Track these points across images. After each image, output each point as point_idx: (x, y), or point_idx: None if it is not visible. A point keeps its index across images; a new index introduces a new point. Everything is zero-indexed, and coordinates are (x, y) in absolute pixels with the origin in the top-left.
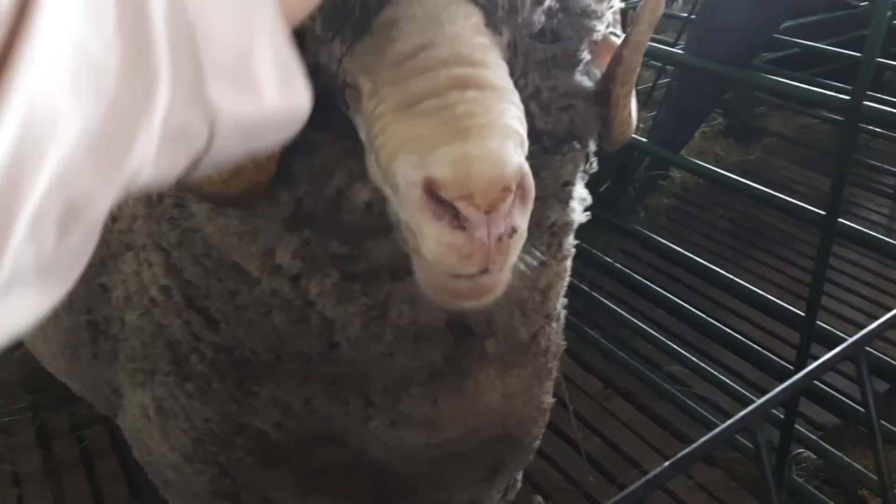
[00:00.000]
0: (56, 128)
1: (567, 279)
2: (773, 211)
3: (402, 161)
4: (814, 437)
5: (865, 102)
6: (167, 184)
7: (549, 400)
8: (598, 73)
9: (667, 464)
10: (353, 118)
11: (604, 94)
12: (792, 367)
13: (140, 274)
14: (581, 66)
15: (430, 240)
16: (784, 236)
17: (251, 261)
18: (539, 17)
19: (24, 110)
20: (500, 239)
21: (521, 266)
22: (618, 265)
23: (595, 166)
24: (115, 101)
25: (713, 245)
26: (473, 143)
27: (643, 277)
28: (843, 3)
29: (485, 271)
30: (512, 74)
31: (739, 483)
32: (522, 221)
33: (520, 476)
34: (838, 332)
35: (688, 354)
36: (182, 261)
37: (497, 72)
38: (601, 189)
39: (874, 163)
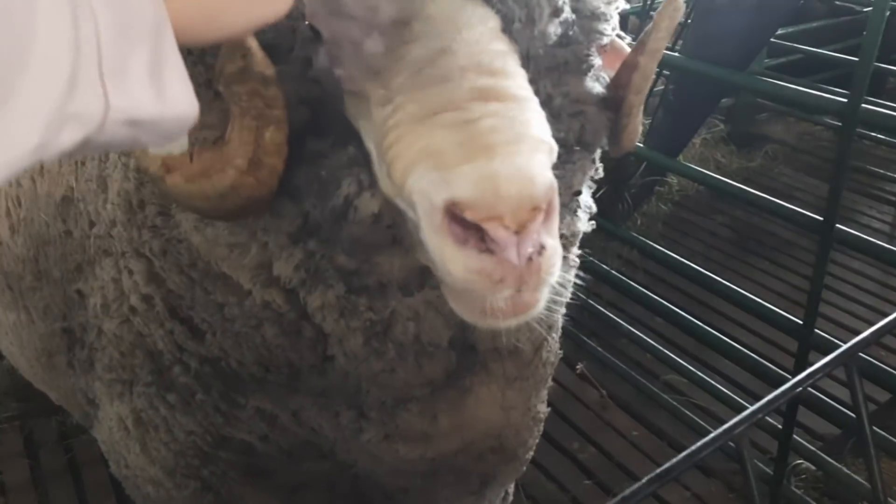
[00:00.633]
0: None
1: (571, 284)
2: (772, 218)
3: (420, 177)
4: (813, 448)
5: (863, 105)
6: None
7: (545, 409)
8: (606, 78)
9: (643, 481)
10: (357, 124)
11: (613, 100)
12: (789, 376)
13: (119, 281)
14: (592, 72)
15: (457, 266)
16: (783, 243)
17: (242, 273)
18: (556, 29)
19: None
20: (530, 259)
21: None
22: (614, 272)
23: (601, 173)
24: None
25: (711, 252)
26: (501, 160)
27: (640, 285)
28: (846, 9)
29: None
30: (529, 62)
31: (737, 494)
32: (550, 238)
33: (511, 489)
34: (836, 341)
35: (685, 363)
36: (166, 270)
37: (518, 81)
38: (597, 195)
39: (876, 170)
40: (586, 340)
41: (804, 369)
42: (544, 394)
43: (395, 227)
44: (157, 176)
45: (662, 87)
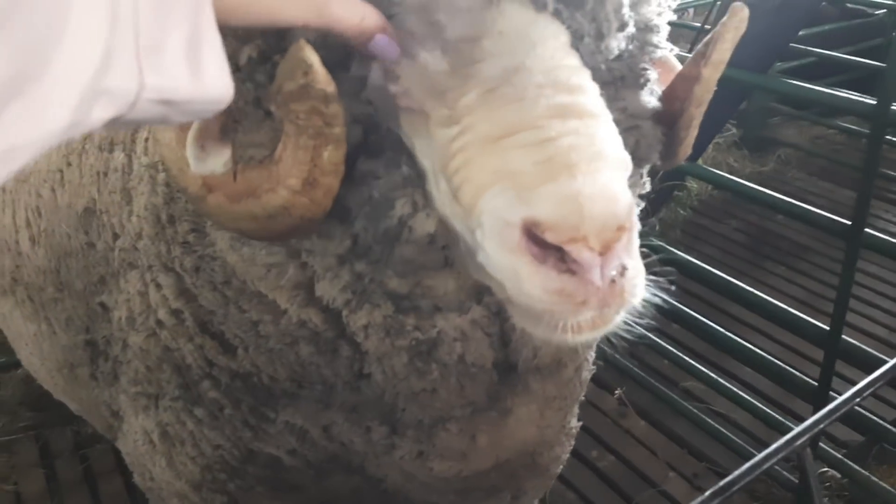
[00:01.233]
0: None
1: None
2: (788, 222)
3: (493, 198)
4: (838, 456)
5: (893, 108)
6: (89, 132)
7: (576, 423)
8: (659, 92)
9: (706, 494)
10: (411, 142)
11: (667, 115)
12: (815, 384)
13: (146, 295)
14: (648, 86)
15: (534, 286)
16: (799, 248)
17: (279, 292)
18: (619, 44)
19: None
20: (612, 280)
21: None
22: None
23: (648, 187)
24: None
25: (727, 258)
26: (583, 178)
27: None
28: (859, 12)
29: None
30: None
31: (761, 503)
32: (631, 258)
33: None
34: (866, 349)
35: (704, 370)
36: (198, 287)
37: (593, 97)
38: None
39: (893, 173)
40: (604, 348)
41: (831, 377)
42: (576, 409)
43: (448, 249)
44: (197, 196)
45: None
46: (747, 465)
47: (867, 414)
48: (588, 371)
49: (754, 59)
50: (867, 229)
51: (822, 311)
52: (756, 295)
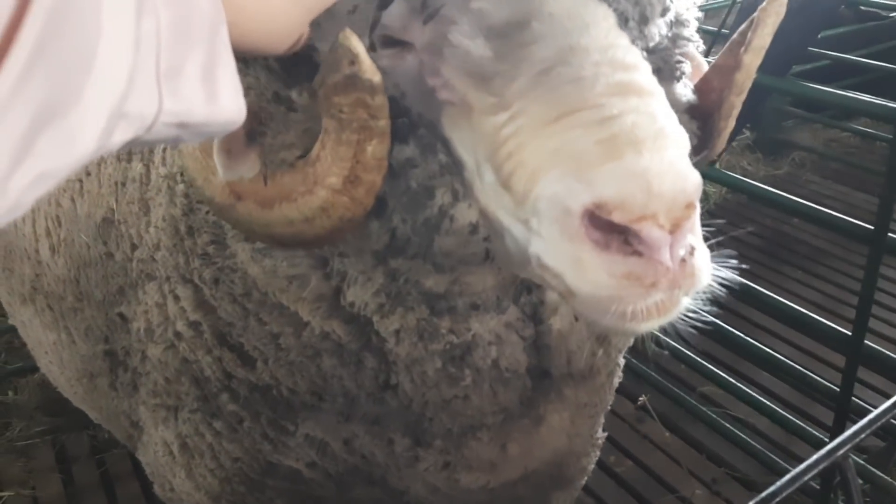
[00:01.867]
0: None
1: None
2: (804, 226)
3: (551, 183)
4: (860, 462)
5: None
6: (107, 153)
7: (602, 434)
8: (692, 85)
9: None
10: (451, 135)
11: (701, 108)
12: (837, 389)
13: (164, 306)
14: (682, 79)
15: (599, 273)
16: (817, 252)
17: (301, 304)
18: (660, 30)
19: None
20: (682, 260)
21: None
22: None
23: None
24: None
25: (745, 262)
26: (650, 155)
27: None
28: (872, 14)
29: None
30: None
31: None
32: (696, 239)
33: None
34: (887, 352)
35: (723, 375)
36: (217, 299)
37: (649, 75)
38: None
39: None
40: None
41: (853, 382)
42: (602, 418)
43: (489, 241)
44: (225, 204)
45: None
46: (786, 477)
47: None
48: (618, 378)
49: (773, 62)
50: (891, 234)
51: (842, 316)
52: (775, 299)
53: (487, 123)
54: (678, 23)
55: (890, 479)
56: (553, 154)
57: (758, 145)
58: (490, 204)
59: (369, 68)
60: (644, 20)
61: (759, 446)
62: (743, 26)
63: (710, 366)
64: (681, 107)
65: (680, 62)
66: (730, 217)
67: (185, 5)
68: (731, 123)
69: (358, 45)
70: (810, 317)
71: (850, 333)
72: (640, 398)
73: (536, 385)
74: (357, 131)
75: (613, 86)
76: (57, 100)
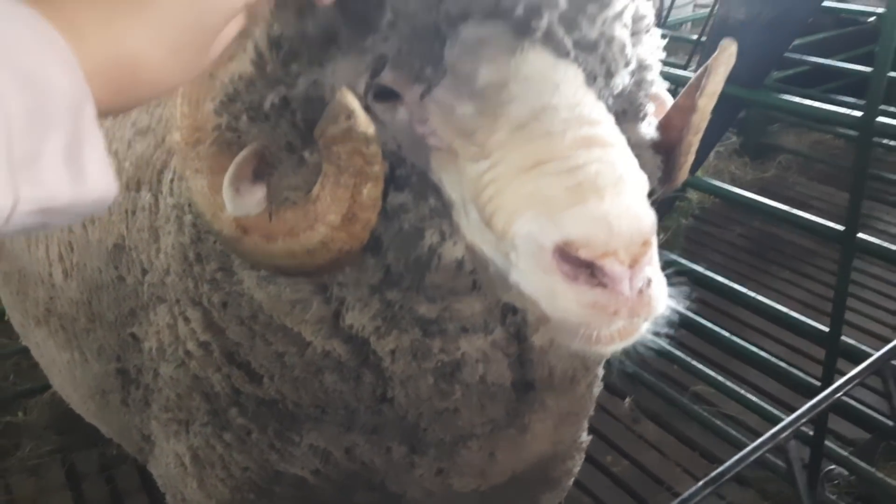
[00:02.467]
0: None
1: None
2: (791, 227)
3: (526, 222)
4: (844, 454)
5: (879, 119)
6: None
7: (586, 438)
8: (656, 123)
9: (699, 483)
10: (439, 178)
11: (664, 143)
12: (819, 384)
13: (175, 327)
14: (646, 119)
15: (569, 301)
16: (803, 252)
17: (304, 326)
18: (624, 80)
19: None
20: (640, 291)
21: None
22: None
23: None
24: None
25: (731, 263)
26: (611, 200)
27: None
28: (851, 20)
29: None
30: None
31: (772, 502)
32: (654, 271)
33: None
34: (864, 348)
35: (714, 374)
36: (225, 321)
37: (612, 128)
38: None
39: (891, 176)
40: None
41: (832, 376)
42: (586, 423)
43: (475, 274)
44: (232, 237)
45: None
46: (737, 456)
47: (872, 413)
48: (598, 387)
49: (748, 73)
50: (860, 234)
51: (826, 313)
52: (758, 299)
53: (471, 169)
54: (642, 68)
55: (874, 471)
56: (528, 198)
57: (745, 149)
58: (475, 238)
59: (364, 122)
60: (609, 75)
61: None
62: (699, 72)
63: (700, 366)
64: (645, 144)
65: (643, 104)
66: (720, 221)
67: (40, 89)
68: (691, 158)
69: (353, 102)
70: (791, 315)
71: (827, 329)
72: (627, 399)
73: (521, 397)
74: (354, 175)
75: (579, 139)
76: None
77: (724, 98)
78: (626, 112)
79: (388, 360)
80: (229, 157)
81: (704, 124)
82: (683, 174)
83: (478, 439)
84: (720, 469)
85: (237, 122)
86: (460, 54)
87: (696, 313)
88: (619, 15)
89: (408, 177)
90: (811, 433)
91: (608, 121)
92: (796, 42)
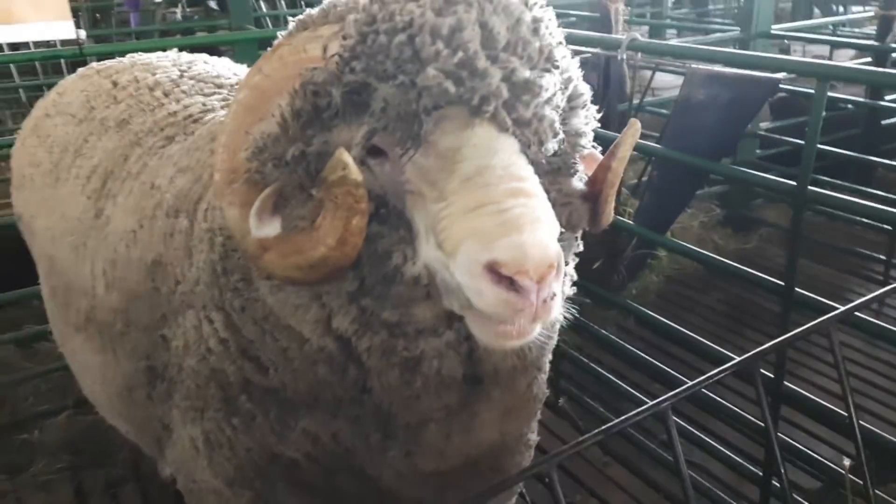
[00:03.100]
0: None
1: (556, 337)
2: (767, 294)
3: (467, 248)
4: (798, 499)
5: (810, 187)
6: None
7: (535, 438)
8: (585, 177)
9: (588, 434)
10: (411, 214)
11: (591, 193)
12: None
13: (200, 328)
14: (576, 174)
15: (490, 297)
16: (776, 318)
17: (304, 325)
18: (554, 146)
19: None
20: (545, 301)
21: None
22: (613, 337)
23: (581, 247)
24: None
25: (708, 325)
26: (528, 234)
27: (640, 352)
28: (834, 105)
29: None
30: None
31: None
32: (558, 288)
33: None
34: (804, 392)
35: (684, 424)
36: (242, 322)
37: (535, 183)
38: (594, 266)
39: (865, 252)
40: (590, 402)
41: (778, 412)
42: (534, 425)
43: (429, 286)
44: (255, 254)
45: (648, 172)
46: (622, 417)
47: (825, 461)
48: (542, 392)
49: (709, 147)
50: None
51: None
52: (722, 353)
53: (433, 208)
54: (576, 134)
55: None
56: (469, 230)
57: (728, 221)
58: (430, 258)
59: (354, 172)
60: (541, 143)
61: (713, 488)
62: (617, 139)
63: (674, 417)
64: (576, 194)
65: (575, 163)
66: (700, 286)
67: None
68: (608, 207)
69: (347, 158)
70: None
71: (772, 376)
72: (561, 399)
73: (471, 389)
74: (346, 210)
75: (509, 190)
76: None
77: (687, 168)
78: (560, 169)
79: (366, 355)
80: (256, 193)
81: (617, 180)
82: (606, 219)
83: (436, 423)
84: (606, 426)
85: (263, 168)
86: (430, 128)
87: (666, 366)
88: (549, 100)
89: (387, 213)
90: (760, 473)
91: (533, 178)
92: (777, 124)
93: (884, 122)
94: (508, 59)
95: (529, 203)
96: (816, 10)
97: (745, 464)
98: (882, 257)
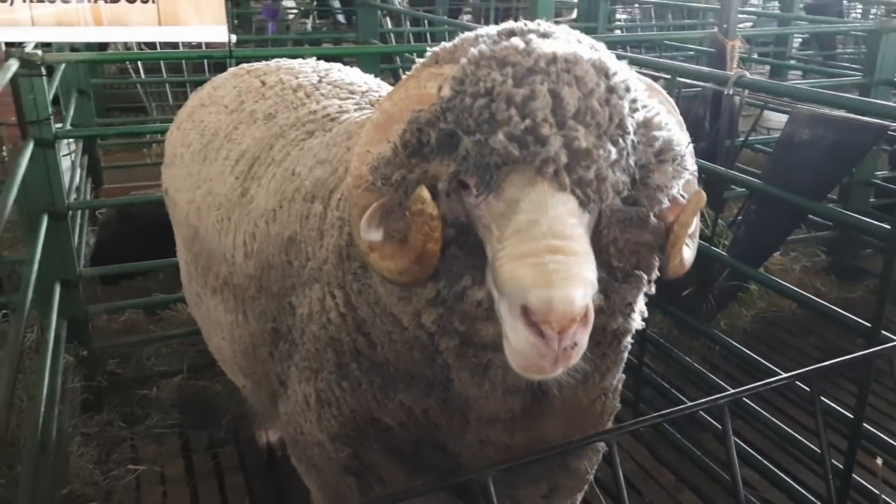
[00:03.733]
0: None
1: (622, 364)
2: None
3: (510, 289)
4: None
5: None
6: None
7: (602, 446)
8: (663, 226)
9: (633, 421)
10: (483, 242)
11: (664, 243)
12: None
13: (324, 300)
14: (649, 226)
15: (521, 336)
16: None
17: (404, 315)
18: (617, 201)
19: None
20: (565, 349)
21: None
22: (696, 365)
23: (653, 290)
24: None
25: (796, 368)
26: (556, 290)
27: (723, 382)
28: None
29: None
30: (598, 226)
31: None
32: (583, 338)
33: None
34: (886, 438)
35: (764, 461)
36: (359, 302)
37: (579, 241)
38: (683, 293)
39: None
40: (668, 428)
41: (853, 458)
42: (595, 458)
43: (489, 309)
44: (363, 251)
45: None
46: (678, 407)
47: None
48: (611, 408)
49: (810, 186)
50: (884, 332)
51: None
52: (805, 390)
53: (494, 245)
54: (657, 189)
55: None
56: (513, 275)
57: (833, 269)
58: (491, 286)
59: (430, 206)
60: (601, 199)
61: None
62: (689, 198)
63: (749, 450)
64: (646, 243)
65: (649, 215)
66: (795, 329)
67: None
68: (676, 262)
69: (426, 195)
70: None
71: (851, 416)
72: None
73: (535, 399)
74: (424, 236)
75: (549, 247)
76: None
77: (785, 205)
78: (631, 219)
79: (445, 353)
80: (371, 200)
81: (679, 242)
82: (674, 269)
83: (502, 423)
84: (659, 413)
85: (376, 182)
86: (501, 178)
87: (750, 403)
88: (614, 163)
89: (466, 240)
90: None
91: (579, 237)
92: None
93: None
94: (575, 126)
95: (566, 261)
96: None
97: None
98: None
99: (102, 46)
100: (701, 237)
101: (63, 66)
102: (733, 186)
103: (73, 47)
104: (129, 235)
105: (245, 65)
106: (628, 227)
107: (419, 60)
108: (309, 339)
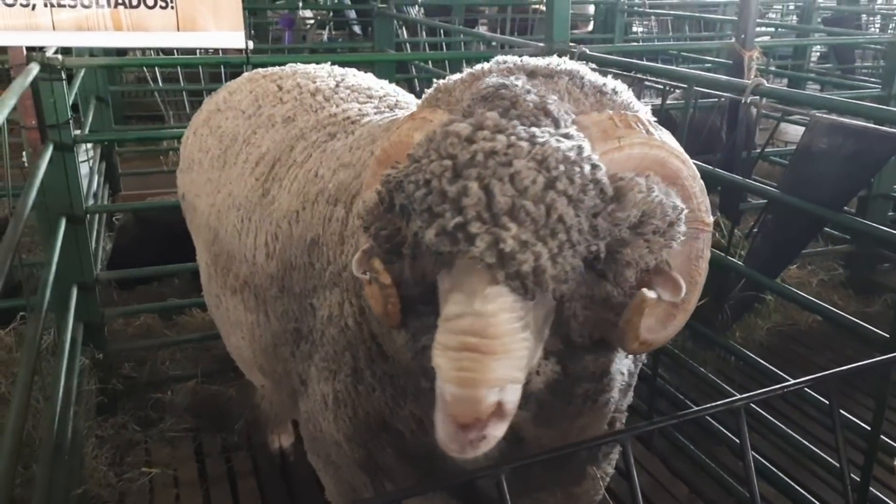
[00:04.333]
0: None
1: (610, 410)
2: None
3: (436, 371)
4: None
5: None
6: None
7: (610, 471)
8: (628, 303)
9: (654, 420)
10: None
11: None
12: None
13: (343, 305)
14: (612, 303)
15: (439, 415)
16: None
17: (399, 346)
18: (568, 287)
19: None
20: (471, 441)
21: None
22: (711, 376)
23: (644, 359)
24: None
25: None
26: (462, 389)
27: (737, 394)
28: None
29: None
30: (561, 298)
31: None
32: (495, 430)
33: None
34: None
35: (780, 474)
36: (371, 317)
37: (503, 339)
38: (699, 303)
39: None
40: (682, 439)
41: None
42: (607, 468)
43: None
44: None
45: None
46: (693, 409)
47: None
48: (603, 481)
49: (828, 196)
50: None
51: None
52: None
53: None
54: (626, 265)
55: None
56: (436, 361)
57: (851, 283)
58: None
59: (384, 276)
60: (542, 292)
61: None
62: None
63: (767, 464)
64: (607, 322)
65: (611, 298)
66: (813, 344)
67: None
68: (628, 343)
69: (379, 266)
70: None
71: (869, 428)
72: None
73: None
74: (384, 297)
75: (465, 344)
76: None
77: (802, 216)
78: (593, 297)
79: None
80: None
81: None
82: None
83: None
84: (679, 412)
85: (364, 227)
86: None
87: (766, 414)
88: (555, 255)
89: (432, 297)
90: None
91: (505, 333)
92: None
93: None
94: (507, 224)
95: (481, 360)
96: None
97: None
98: None
99: (121, 52)
100: (717, 247)
101: (82, 72)
102: (750, 199)
103: (92, 53)
104: (145, 241)
105: (260, 69)
106: (590, 304)
107: (427, 92)
108: (328, 341)
